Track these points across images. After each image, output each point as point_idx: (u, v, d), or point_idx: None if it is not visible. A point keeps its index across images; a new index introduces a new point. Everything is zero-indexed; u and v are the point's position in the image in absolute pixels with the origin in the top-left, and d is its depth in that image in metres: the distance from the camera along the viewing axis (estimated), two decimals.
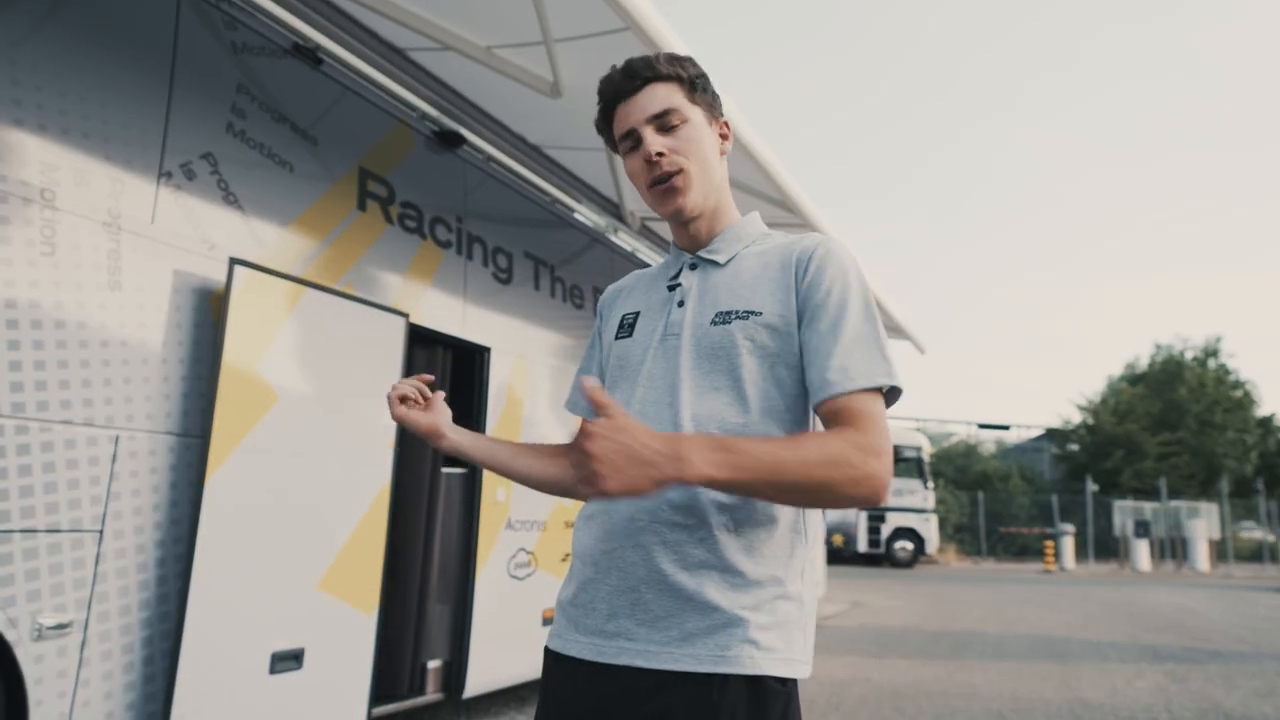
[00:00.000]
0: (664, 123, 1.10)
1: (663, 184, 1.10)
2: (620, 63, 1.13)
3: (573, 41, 3.10)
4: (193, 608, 2.42)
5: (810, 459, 0.90)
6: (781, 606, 1.00)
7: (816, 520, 1.09)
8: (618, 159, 4.23)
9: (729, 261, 1.13)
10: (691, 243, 1.17)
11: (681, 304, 1.11)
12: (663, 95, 1.11)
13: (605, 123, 1.17)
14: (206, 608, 2.46)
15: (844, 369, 0.99)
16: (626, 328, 1.17)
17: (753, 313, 1.05)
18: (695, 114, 1.12)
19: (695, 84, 1.13)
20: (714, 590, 0.97)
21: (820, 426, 1.04)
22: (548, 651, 1.11)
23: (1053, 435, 30.02)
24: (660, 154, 1.08)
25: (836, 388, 0.98)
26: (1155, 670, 6.10)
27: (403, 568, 3.54)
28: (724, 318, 1.06)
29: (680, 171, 1.09)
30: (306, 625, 2.81)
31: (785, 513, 1.02)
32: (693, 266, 1.15)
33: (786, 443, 0.93)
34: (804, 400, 1.05)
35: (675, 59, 1.14)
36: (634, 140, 1.11)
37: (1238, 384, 27.69)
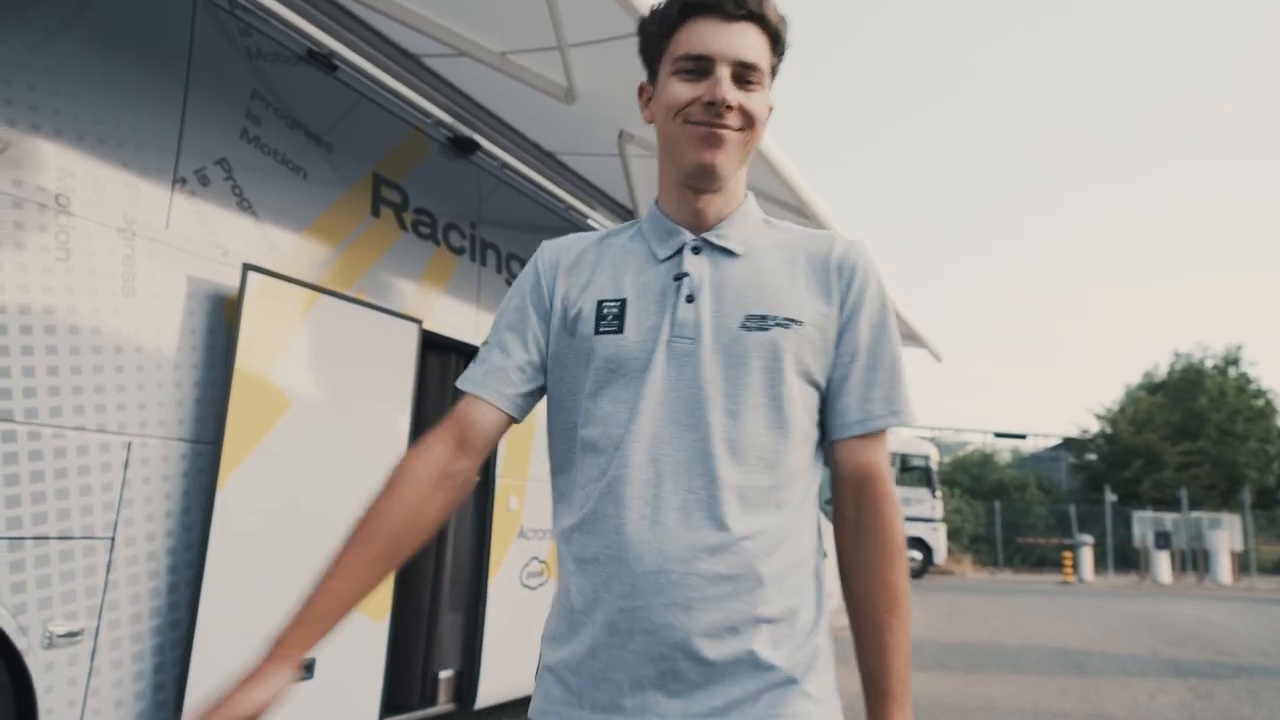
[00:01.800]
0: (745, 77, 0.91)
1: (715, 129, 0.90)
2: None
3: (587, 46, 3.08)
4: (203, 616, 2.40)
5: (905, 582, 0.91)
6: (819, 641, 0.90)
7: (827, 532, 1.01)
8: (635, 164, 4.19)
9: (745, 253, 0.95)
10: (694, 218, 0.96)
11: (691, 299, 0.91)
12: (757, 45, 0.91)
13: (666, 28, 0.94)
14: (217, 616, 2.44)
15: (886, 399, 0.92)
16: (612, 319, 0.93)
17: (794, 321, 0.90)
18: (767, 83, 0.95)
19: (782, 55, 0.96)
20: (766, 647, 0.84)
21: (834, 458, 0.95)
22: None
23: (1070, 444, 29.69)
24: (730, 107, 0.90)
25: (878, 422, 0.92)
26: (1178, 685, 5.98)
27: (414, 576, 3.52)
28: (759, 323, 0.90)
29: (740, 130, 0.92)
30: None
31: (809, 534, 0.93)
32: (696, 250, 0.95)
33: (888, 599, 0.89)
34: (820, 424, 0.95)
35: (784, 19, 0.95)
36: (702, 69, 0.90)
37: (1259, 393, 27.28)
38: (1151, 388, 28.42)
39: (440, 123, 3.75)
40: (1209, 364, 28.19)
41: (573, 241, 1.05)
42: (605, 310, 0.94)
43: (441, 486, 0.95)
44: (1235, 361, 28.18)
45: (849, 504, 0.93)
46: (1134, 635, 9.00)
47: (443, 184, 3.68)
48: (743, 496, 0.86)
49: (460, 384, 0.99)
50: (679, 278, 0.93)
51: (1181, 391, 26.99)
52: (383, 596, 3.04)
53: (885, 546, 0.90)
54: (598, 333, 0.93)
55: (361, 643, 2.96)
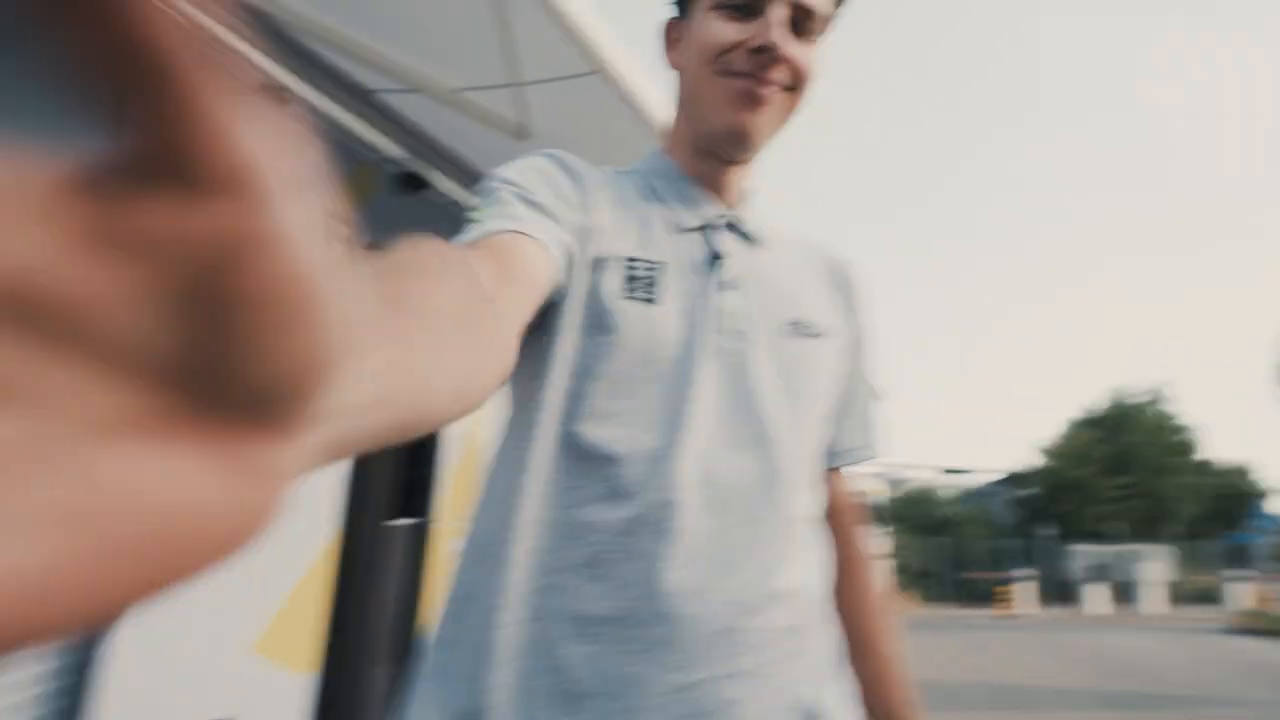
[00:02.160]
0: (803, 25, 0.72)
1: (761, 84, 0.71)
2: None
3: (541, 85, 3.09)
4: (112, 674, 2.23)
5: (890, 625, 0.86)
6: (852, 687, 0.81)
7: None
8: None
9: (767, 244, 0.79)
10: (719, 190, 0.78)
11: (733, 286, 0.74)
12: None
13: None
14: (128, 673, 2.27)
15: (867, 428, 0.87)
16: (643, 285, 0.69)
17: (834, 332, 0.79)
18: (822, 39, 0.76)
19: (842, 1, 0.78)
20: (831, 707, 0.70)
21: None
22: None
23: (1014, 479, 30.54)
24: (782, 59, 0.71)
25: (866, 451, 0.86)
26: (1118, 718, 6.08)
27: (346, 628, 3.36)
28: (805, 329, 0.75)
29: (789, 91, 0.73)
30: (241, 691, 2.63)
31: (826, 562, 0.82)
32: (729, 228, 0.77)
33: (890, 631, 0.84)
34: None
35: None
36: (751, 6, 0.71)
37: (1178, 429, 28.55)
38: (1089, 423, 29.53)
39: (391, 158, 3.69)
40: (1137, 401, 29.47)
41: (583, 162, 0.74)
42: (635, 271, 0.69)
43: (486, 313, 0.38)
44: (1162, 399, 29.53)
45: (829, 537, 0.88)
46: (1074, 668, 9.18)
47: (393, 220, 3.61)
48: (805, 527, 0.72)
49: (476, 231, 0.58)
50: (718, 257, 0.74)
51: (1116, 427, 28.10)
52: (312, 651, 2.89)
53: (871, 580, 0.86)
54: (626, 297, 0.68)
55: (289, 700, 2.80)
